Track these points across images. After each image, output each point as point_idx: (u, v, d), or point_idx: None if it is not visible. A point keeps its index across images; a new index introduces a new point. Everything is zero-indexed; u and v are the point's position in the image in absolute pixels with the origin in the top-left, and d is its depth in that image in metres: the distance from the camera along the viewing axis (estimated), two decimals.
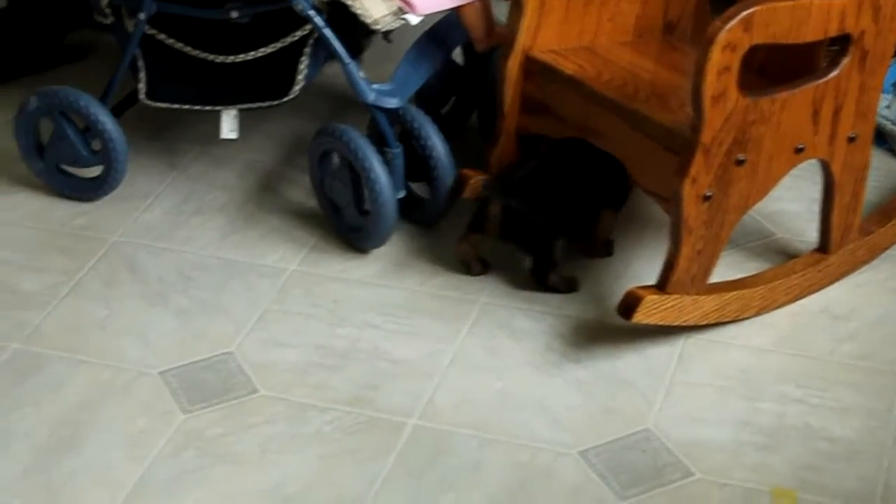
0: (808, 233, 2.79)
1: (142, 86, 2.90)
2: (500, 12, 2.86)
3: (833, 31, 2.46)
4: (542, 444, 2.34)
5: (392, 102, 2.80)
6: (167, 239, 2.87)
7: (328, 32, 2.76)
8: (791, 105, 2.46)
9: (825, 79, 2.49)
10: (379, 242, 2.80)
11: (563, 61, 2.74)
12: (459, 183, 2.79)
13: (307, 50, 2.82)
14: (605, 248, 2.78)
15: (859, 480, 2.26)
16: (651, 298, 2.47)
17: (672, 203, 2.46)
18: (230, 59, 2.87)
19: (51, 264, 2.80)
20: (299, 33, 2.80)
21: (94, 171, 2.96)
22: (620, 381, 2.47)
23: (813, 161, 2.59)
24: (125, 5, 2.86)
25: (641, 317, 2.47)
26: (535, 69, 2.74)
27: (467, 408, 2.42)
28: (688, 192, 2.43)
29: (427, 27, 2.93)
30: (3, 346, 2.57)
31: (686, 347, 2.54)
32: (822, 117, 2.52)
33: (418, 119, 2.80)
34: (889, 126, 3.09)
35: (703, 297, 2.53)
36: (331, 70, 3.02)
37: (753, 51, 2.38)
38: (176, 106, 2.90)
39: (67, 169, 2.99)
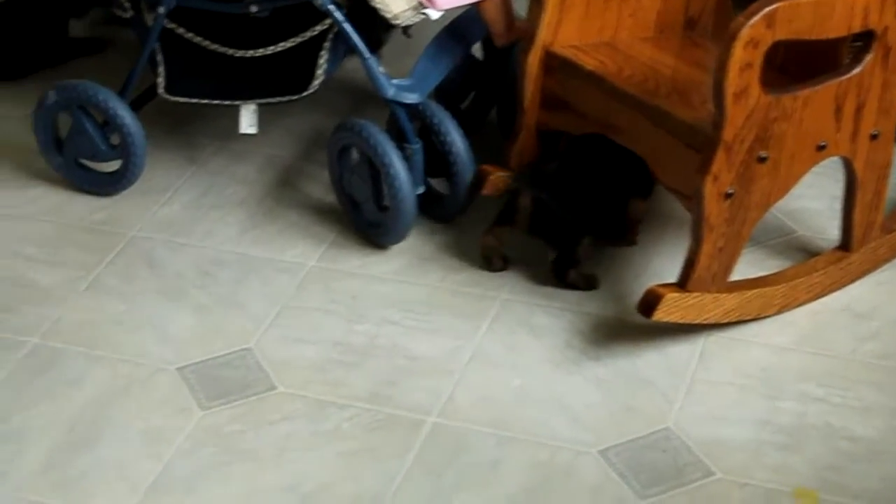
0: (829, 230, 2.77)
1: (161, 80, 2.90)
2: (521, 7, 2.84)
3: (856, 28, 2.43)
4: (561, 442, 2.32)
5: (411, 98, 2.78)
6: (186, 234, 2.87)
7: (348, 27, 2.75)
8: (813, 102, 2.44)
9: (848, 76, 2.47)
10: (398, 238, 2.79)
11: (583, 57, 2.72)
12: (479, 179, 2.78)
13: (326, 44, 2.81)
14: (631, 235, 2.76)
15: (882, 481, 2.24)
16: (672, 296, 2.45)
17: (693, 200, 2.45)
18: (249, 53, 2.86)
19: (69, 259, 2.79)
20: (319, 28, 2.79)
21: (113, 165, 2.96)
22: (641, 380, 2.45)
23: (834, 158, 2.57)
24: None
25: (662, 314, 2.46)
26: (555, 65, 2.73)
27: (486, 405, 2.41)
28: (709, 189, 2.41)
29: (447, 22, 2.91)
30: (22, 341, 2.57)
31: (707, 345, 2.52)
32: (844, 114, 2.50)
33: (438, 114, 2.78)
34: None
35: (724, 295, 2.51)
36: (350, 65, 3.00)
37: (775, 47, 2.36)
38: (195, 100, 2.90)
39: (86, 163, 2.98)
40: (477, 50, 3.06)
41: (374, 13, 2.74)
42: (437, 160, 2.79)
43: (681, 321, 2.49)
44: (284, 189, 3.00)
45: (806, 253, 2.75)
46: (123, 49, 3.42)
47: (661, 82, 2.66)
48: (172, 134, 3.17)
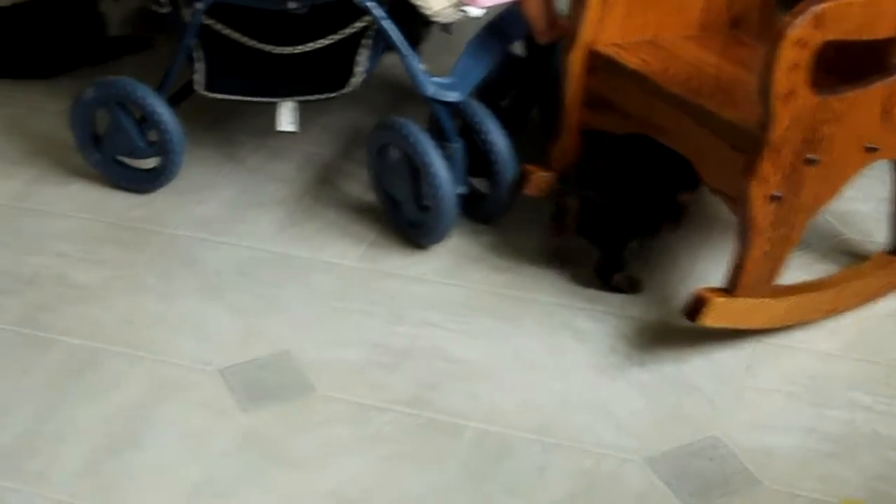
0: (877, 233, 2.75)
1: (199, 77, 2.88)
2: (562, 4, 2.81)
3: None
4: (606, 449, 2.30)
5: (452, 96, 2.76)
6: (224, 232, 2.85)
7: (388, 24, 2.73)
8: (861, 104, 2.41)
9: None
10: (438, 239, 2.77)
11: (626, 55, 2.69)
12: (521, 178, 2.76)
13: (366, 41, 2.79)
14: (677, 219, 2.75)
15: None
16: (718, 301, 2.43)
17: (739, 203, 2.42)
18: (288, 50, 2.84)
19: (107, 257, 2.78)
20: (358, 24, 2.77)
21: (151, 162, 2.94)
22: (687, 386, 2.43)
23: (882, 160, 2.54)
24: None
25: (708, 319, 2.43)
26: (598, 63, 2.70)
27: (529, 410, 2.39)
28: (755, 192, 2.38)
29: (488, 19, 2.89)
30: (60, 341, 2.56)
31: (753, 351, 2.50)
32: (893, 116, 2.46)
33: (479, 113, 2.76)
34: None
35: (771, 300, 2.48)
36: (390, 61, 2.97)
37: (821, 47, 2.32)
38: (233, 97, 2.88)
39: (124, 160, 2.97)
40: (519, 47, 3.03)
41: (414, 8, 2.71)
42: (478, 159, 2.77)
43: (727, 326, 2.47)
44: (323, 187, 2.98)
45: (853, 257, 2.72)
46: (162, 46, 3.40)
47: (705, 81, 2.63)
48: (210, 131, 3.15)
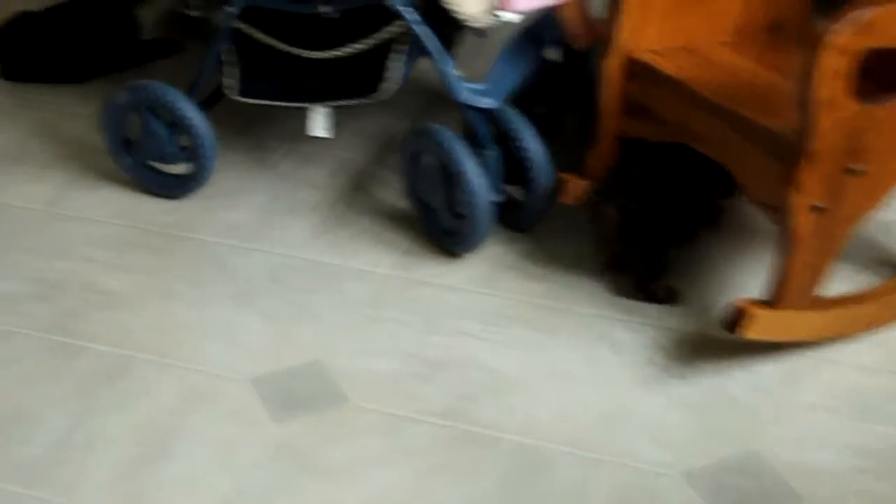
0: None
1: (232, 81, 2.86)
2: (598, 8, 2.79)
3: None
4: (645, 464, 2.27)
5: (486, 102, 2.74)
6: (256, 239, 2.83)
7: (422, 29, 2.70)
8: None
9: None
10: (473, 247, 2.74)
11: (663, 62, 2.66)
12: (557, 187, 2.72)
13: (400, 47, 2.76)
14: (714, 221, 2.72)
15: None
16: (758, 313, 2.39)
17: (779, 213, 2.38)
18: (321, 54, 2.81)
19: (138, 263, 2.76)
20: (392, 29, 2.74)
21: (182, 167, 2.92)
22: (726, 399, 2.39)
23: None
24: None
25: (748, 331, 2.40)
26: (634, 70, 2.67)
27: (566, 423, 2.36)
28: (796, 202, 2.35)
29: (523, 24, 2.86)
30: (90, 348, 2.54)
31: (794, 365, 2.46)
32: None
33: (514, 119, 2.74)
34: None
35: (813, 312, 2.45)
36: (423, 65, 2.95)
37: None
38: (265, 102, 2.86)
39: (155, 165, 2.95)
40: (554, 52, 3.00)
41: (448, 13, 2.68)
42: (513, 167, 2.74)
43: (767, 339, 2.43)
44: (356, 194, 2.96)
45: None
46: (193, 50, 3.38)
47: (742, 88, 2.60)
48: (241, 135, 3.13)
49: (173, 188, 2.95)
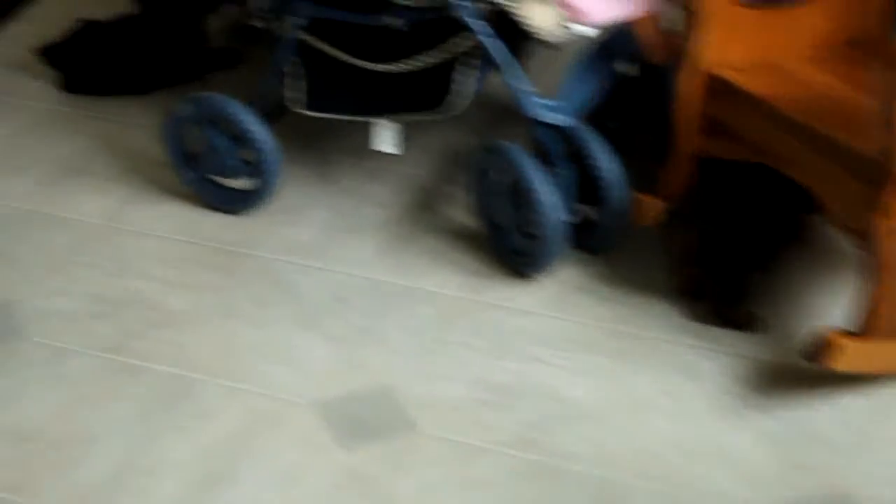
0: None
1: (298, 94, 2.81)
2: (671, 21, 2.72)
3: None
4: (724, 499, 2.20)
5: (558, 119, 2.68)
6: (320, 257, 2.78)
7: (492, 42, 2.64)
8: None
9: None
10: (544, 268, 2.69)
11: (742, 78, 2.59)
12: (632, 207, 2.66)
13: (470, 60, 2.70)
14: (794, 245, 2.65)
15: None
16: (842, 343, 2.32)
17: (865, 239, 2.31)
18: (389, 67, 2.76)
19: (200, 281, 2.72)
20: (461, 42, 2.68)
21: (245, 182, 2.88)
22: (811, 434, 2.32)
23: None
24: (283, 10, 2.76)
25: (833, 363, 2.33)
26: (713, 87, 2.60)
27: (643, 455, 2.29)
28: (882, 226, 2.28)
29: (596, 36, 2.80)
30: (150, 369, 2.50)
31: (883, 398, 2.39)
32: None
33: (587, 136, 2.68)
34: None
35: None
36: (493, 79, 2.89)
37: None
38: (331, 116, 2.81)
39: (217, 179, 2.91)
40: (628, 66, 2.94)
41: (519, 26, 2.63)
42: (586, 186, 2.68)
43: (853, 371, 2.35)
44: (423, 212, 2.91)
45: None
46: (256, 60, 3.34)
47: (824, 106, 2.53)
48: (304, 150, 3.09)
49: (236, 203, 2.91)
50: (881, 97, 2.22)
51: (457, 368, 2.49)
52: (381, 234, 2.84)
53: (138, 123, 3.19)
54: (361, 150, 2.94)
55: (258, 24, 2.84)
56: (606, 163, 2.66)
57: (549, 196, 2.60)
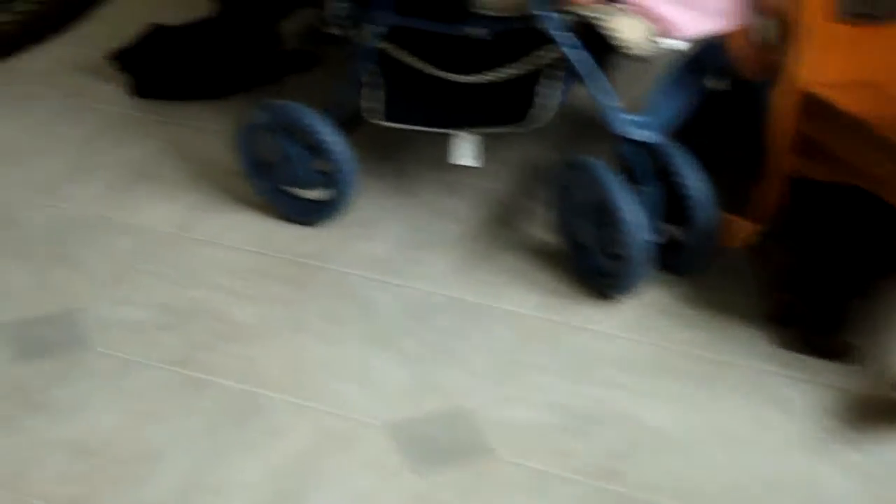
0: None
1: (376, 104, 2.78)
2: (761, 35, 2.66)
3: None
4: None
5: (645, 135, 2.63)
6: (395, 272, 2.74)
7: (577, 54, 2.60)
8: None
9: None
10: (628, 290, 2.64)
11: (840, 97, 2.53)
12: (721, 228, 2.60)
13: (554, 72, 2.66)
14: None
15: None
16: None
17: None
18: (471, 79, 2.72)
19: (272, 294, 2.69)
20: (546, 53, 2.64)
21: (319, 193, 2.84)
22: None
23: None
24: (361, 18, 2.73)
25: None
26: (807, 105, 2.55)
27: (728, 488, 2.24)
28: None
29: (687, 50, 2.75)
30: (219, 383, 2.48)
31: None
32: None
33: (674, 153, 2.63)
34: None
35: None
36: (578, 91, 2.85)
37: None
38: (410, 127, 2.77)
39: (290, 190, 2.88)
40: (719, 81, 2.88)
41: (605, 38, 2.58)
42: (673, 205, 2.63)
43: None
44: (501, 228, 2.86)
45: None
46: (330, 66, 3.31)
47: None
48: (379, 161, 3.05)
49: (309, 215, 2.88)
50: None
51: (535, 392, 2.45)
52: (458, 250, 2.80)
53: (211, 129, 3.17)
54: (439, 162, 2.90)
55: (335, 31, 2.81)
56: (694, 181, 2.61)
57: (634, 215, 2.55)
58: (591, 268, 2.68)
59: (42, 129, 3.21)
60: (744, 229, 2.61)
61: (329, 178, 2.82)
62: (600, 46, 2.61)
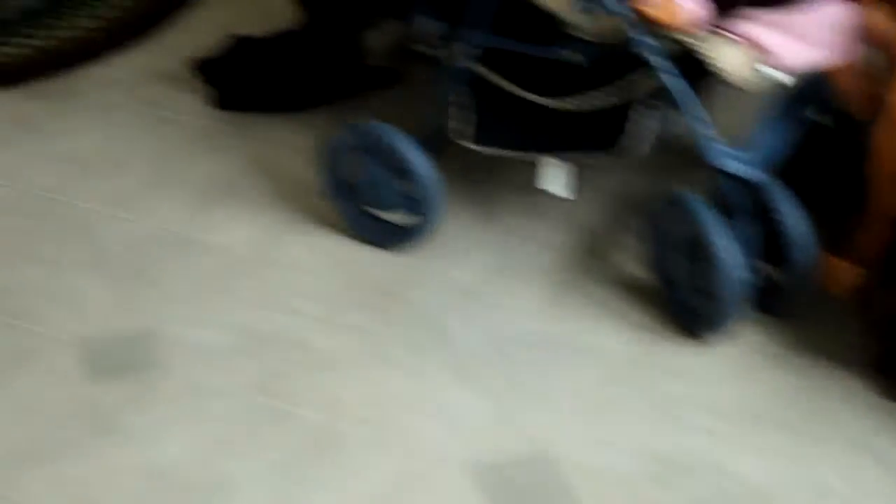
0: None
1: (465, 126, 2.74)
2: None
3: None
4: None
5: (745, 171, 2.58)
6: (480, 303, 2.71)
7: (675, 82, 2.55)
8: None
9: None
10: (720, 330, 2.59)
11: None
12: (821, 270, 2.55)
13: (650, 100, 2.61)
14: None
15: None
16: None
17: None
18: (565, 104, 2.68)
19: (351, 321, 2.67)
20: (643, 80, 2.59)
21: (403, 216, 2.82)
22: None
23: None
24: (453, 37, 2.70)
25: None
26: None
27: None
28: None
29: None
30: (298, 414, 2.46)
31: None
32: None
33: (774, 190, 2.58)
34: None
35: None
36: (675, 119, 2.80)
37: None
38: (500, 152, 2.74)
39: (374, 212, 2.85)
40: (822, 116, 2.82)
41: (705, 65, 2.53)
42: (770, 243, 2.58)
43: None
44: (592, 259, 2.82)
45: None
46: (414, 83, 3.28)
47: None
48: (467, 185, 3.01)
49: (393, 239, 2.85)
50: None
51: (621, 435, 2.41)
52: (545, 281, 2.77)
53: (292, 145, 3.15)
54: (528, 187, 2.86)
55: (424, 49, 2.78)
56: (794, 220, 2.56)
57: (729, 252, 2.51)
58: (684, 305, 2.63)
59: (121, 139, 3.21)
60: (845, 272, 2.56)
61: (414, 202, 2.79)
62: (699, 74, 2.57)
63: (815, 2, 2.56)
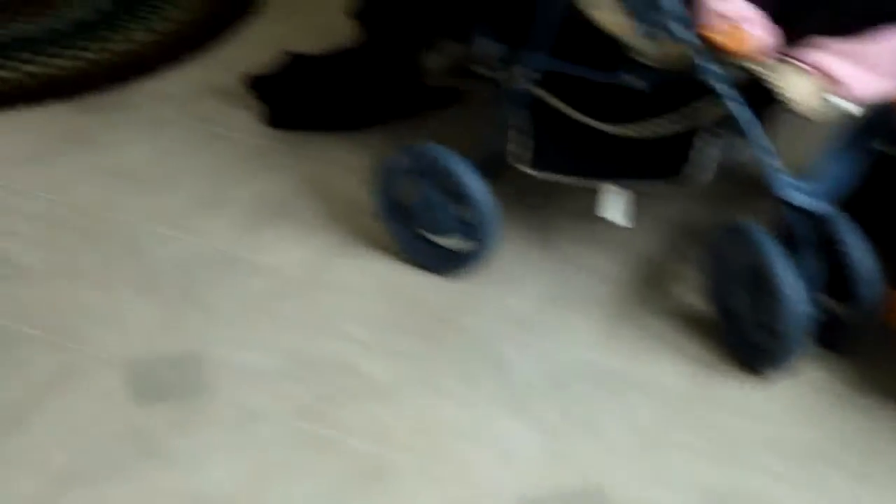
0: None
1: (523, 151, 2.74)
2: None
3: None
4: None
5: (811, 203, 2.56)
6: (535, 333, 2.70)
7: (740, 110, 2.53)
8: None
9: None
10: (782, 366, 2.57)
11: None
12: (887, 306, 2.52)
13: (714, 128, 2.59)
14: None
15: None
16: None
17: None
18: (627, 131, 2.66)
19: (403, 348, 2.67)
20: (707, 108, 2.57)
21: (458, 241, 2.81)
22: None
23: None
24: (513, 60, 2.70)
25: None
26: None
27: None
28: None
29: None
30: (344, 441, 2.45)
31: None
32: None
33: (839, 223, 2.56)
34: None
35: None
36: (739, 148, 2.78)
37: None
38: (558, 177, 2.73)
39: (428, 236, 2.84)
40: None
41: (771, 94, 2.51)
42: (835, 277, 2.56)
43: None
44: (650, 290, 2.81)
45: None
46: (471, 104, 3.27)
47: None
48: (524, 211, 3.00)
49: (447, 264, 2.85)
50: None
51: (676, 474, 2.39)
52: (602, 311, 2.75)
53: (346, 164, 3.15)
54: (587, 214, 2.85)
55: (483, 71, 2.78)
56: (860, 254, 2.54)
57: (792, 286, 2.49)
58: (744, 340, 2.61)
59: (172, 155, 3.22)
60: None
61: (469, 227, 2.78)
62: (764, 103, 2.55)
63: (887, 31, 2.54)
